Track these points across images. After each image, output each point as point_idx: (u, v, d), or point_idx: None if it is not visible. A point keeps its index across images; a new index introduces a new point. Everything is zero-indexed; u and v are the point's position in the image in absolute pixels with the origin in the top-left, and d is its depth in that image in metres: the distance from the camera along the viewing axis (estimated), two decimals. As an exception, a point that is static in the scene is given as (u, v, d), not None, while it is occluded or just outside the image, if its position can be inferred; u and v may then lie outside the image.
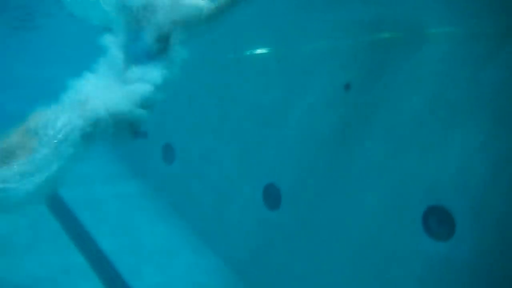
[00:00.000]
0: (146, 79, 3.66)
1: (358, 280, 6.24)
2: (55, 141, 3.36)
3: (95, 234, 7.79)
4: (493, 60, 5.25)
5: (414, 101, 5.82)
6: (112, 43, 3.80)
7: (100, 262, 7.29)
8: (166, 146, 9.14)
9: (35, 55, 11.35)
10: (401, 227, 5.89)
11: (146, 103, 3.67)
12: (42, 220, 7.62)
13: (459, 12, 5.48)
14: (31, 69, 11.94)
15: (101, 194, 8.64)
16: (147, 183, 9.10)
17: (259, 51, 7.44)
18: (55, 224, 7.82)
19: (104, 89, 3.58)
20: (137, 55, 3.74)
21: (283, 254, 7.02)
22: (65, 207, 8.11)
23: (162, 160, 9.10)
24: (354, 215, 6.32)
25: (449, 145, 5.55)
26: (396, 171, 5.95)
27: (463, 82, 5.46)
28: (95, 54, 3.87)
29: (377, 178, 6.10)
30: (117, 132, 3.65)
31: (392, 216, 5.99)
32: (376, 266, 6.10)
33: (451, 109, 5.55)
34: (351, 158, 6.36)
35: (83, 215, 8.13)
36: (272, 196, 7.19)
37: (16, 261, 6.91)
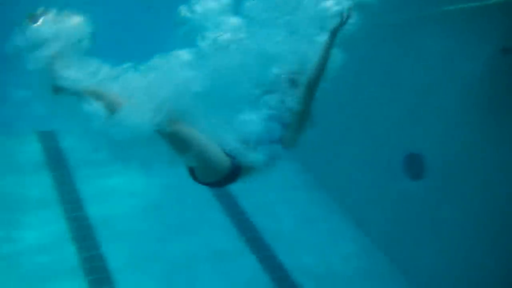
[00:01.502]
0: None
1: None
2: None
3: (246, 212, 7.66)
4: None
5: None
6: None
7: (254, 242, 7.15)
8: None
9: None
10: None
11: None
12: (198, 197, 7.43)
13: None
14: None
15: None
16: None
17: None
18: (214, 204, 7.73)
19: None
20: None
21: (423, 226, 6.73)
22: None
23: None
24: (497, 193, 5.79)
25: None
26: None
27: None
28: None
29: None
30: None
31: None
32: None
33: None
34: (503, 132, 5.78)
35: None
36: (415, 166, 6.88)
37: (172, 237, 6.89)
